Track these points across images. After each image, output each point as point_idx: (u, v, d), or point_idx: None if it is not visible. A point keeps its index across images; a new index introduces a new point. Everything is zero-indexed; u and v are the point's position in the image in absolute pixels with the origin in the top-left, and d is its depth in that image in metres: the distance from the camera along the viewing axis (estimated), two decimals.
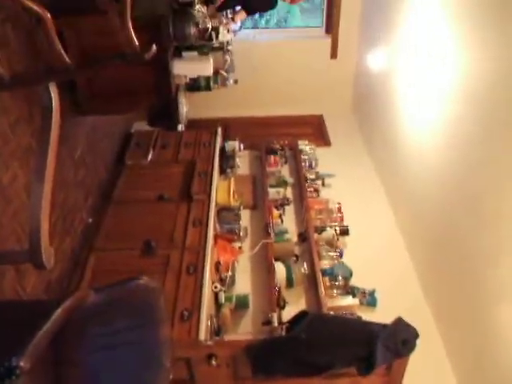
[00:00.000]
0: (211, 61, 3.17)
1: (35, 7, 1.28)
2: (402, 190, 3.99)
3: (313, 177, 4.45)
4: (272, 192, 4.20)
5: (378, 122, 4.62)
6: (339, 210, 4.01)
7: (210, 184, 3.70)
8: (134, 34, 1.46)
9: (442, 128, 3.15)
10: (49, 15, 1.33)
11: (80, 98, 3.05)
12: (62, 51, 1.42)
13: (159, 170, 3.84)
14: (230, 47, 3.91)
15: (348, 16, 5.06)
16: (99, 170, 3.59)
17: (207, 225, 3.25)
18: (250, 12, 3.99)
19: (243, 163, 4.58)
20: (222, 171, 4.19)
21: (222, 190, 3.93)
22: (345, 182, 4.41)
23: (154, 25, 2.80)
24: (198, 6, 3.00)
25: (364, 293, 3.25)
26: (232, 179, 4.11)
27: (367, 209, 4.11)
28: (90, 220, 3.31)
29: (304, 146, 4.86)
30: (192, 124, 3.74)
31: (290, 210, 4.18)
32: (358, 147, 5.01)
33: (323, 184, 4.40)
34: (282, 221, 4.00)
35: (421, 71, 3.52)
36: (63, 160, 2.91)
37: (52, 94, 1.46)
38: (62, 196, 2.87)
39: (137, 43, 1.48)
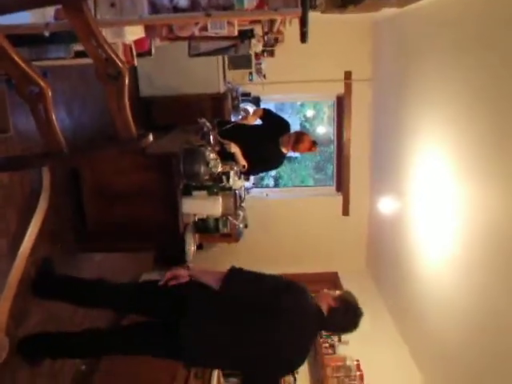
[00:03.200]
0: (220, 200, 3.17)
1: (38, 79, 1.33)
2: (425, 343, 3.59)
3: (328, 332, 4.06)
4: None
5: (395, 273, 4.47)
6: (358, 367, 3.57)
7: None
8: (131, 118, 1.47)
9: (462, 272, 3.02)
10: (50, 92, 1.37)
11: (88, 231, 3.02)
12: (58, 131, 1.42)
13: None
14: (243, 204, 4.00)
15: (358, 175, 5.32)
16: (100, 318, 3.30)
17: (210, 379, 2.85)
18: (253, 172, 4.11)
19: None
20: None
21: None
22: (363, 337, 3.99)
23: (165, 162, 2.92)
24: (209, 149, 3.13)
25: None
26: None
27: (389, 365, 3.64)
28: (83, 367, 2.94)
29: None
30: None
31: (303, 367, 3.71)
32: (376, 302, 4.73)
33: (340, 340, 4.02)
34: (294, 379, 3.52)
35: (433, 215, 3.52)
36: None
37: (43, 179, 1.42)
38: None
39: (134, 128, 1.48)
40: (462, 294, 3.02)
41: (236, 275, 2.07)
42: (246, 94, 4.87)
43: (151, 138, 1.60)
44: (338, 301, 2.09)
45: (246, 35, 2.10)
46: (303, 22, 1.18)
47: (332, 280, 5.22)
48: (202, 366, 2.99)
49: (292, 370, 2.53)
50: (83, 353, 2.44)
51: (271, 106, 5.52)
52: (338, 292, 2.18)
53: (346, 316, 2.09)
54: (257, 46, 2.69)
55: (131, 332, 2.24)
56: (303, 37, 1.16)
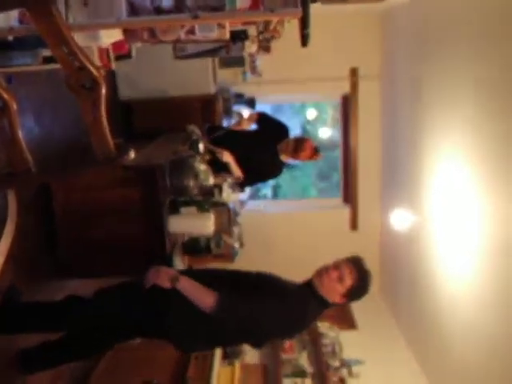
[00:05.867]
0: (212, 217, 3.16)
1: (4, 93, 1.31)
2: (448, 375, 3.57)
3: (337, 365, 4.15)
4: None
5: (412, 297, 4.46)
6: None
7: (210, 370, 3.45)
8: (108, 134, 1.46)
9: (487, 294, 3.02)
10: (15, 106, 1.35)
11: (61, 256, 2.99)
12: (25, 149, 1.40)
13: (147, 353, 3.54)
14: (238, 219, 4.00)
15: (367, 184, 5.31)
16: None
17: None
18: (248, 183, 4.08)
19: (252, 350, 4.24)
20: (226, 355, 3.87)
21: (224, 380, 3.59)
22: (377, 370, 4.01)
23: (149, 175, 2.90)
24: (199, 159, 3.13)
25: None
26: (237, 366, 3.81)
27: None
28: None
29: (325, 329, 4.57)
30: None
31: None
32: (391, 330, 4.75)
33: (350, 373, 4.01)
34: None
35: (454, 231, 3.51)
36: None
37: (9, 200, 1.40)
38: None
39: (112, 145, 1.46)
40: (489, 319, 2.99)
41: (229, 301, 2.11)
42: (240, 95, 4.87)
43: (132, 154, 1.59)
44: (349, 297, 2.17)
45: (238, 37, 2.09)
46: (304, 24, 1.16)
47: (341, 306, 5.18)
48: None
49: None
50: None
51: (268, 108, 5.52)
52: (343, 273, 2.18)
53: (361, 291, 2.21)
54: (251, 47, 2.69)
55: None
56: (304, 40, 1.14)
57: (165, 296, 2.17)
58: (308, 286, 2.24)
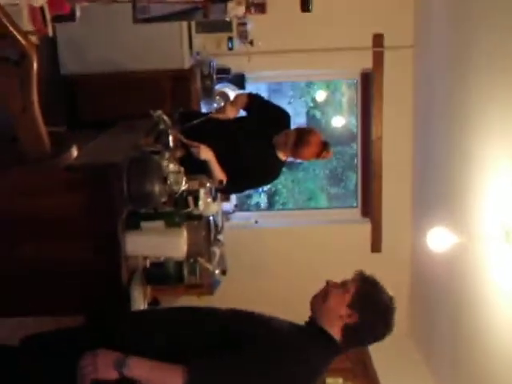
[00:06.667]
0: (185, 235, 3.12)
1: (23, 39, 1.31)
2: None
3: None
4: None
5: (454, 344, 4.48)
6: None
7: None
8: (42, 125, 1.45)
9: None
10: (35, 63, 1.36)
11: None
12: None
13: None
14: (220, 237, 4.00)
15: (394, 191, 5.34)
16: None
17: None
18: (234, 188, 4.09)
19: None
20: None
21: None
22: None
23: (99, 178, 2.88)
24: (167, 156, 3.13)
25: None
26: None
27: None
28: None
29: None
30: None
31: None
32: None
33: None
34: None
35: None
36: None
37: None
38: None
39: (46, 139, 1.46)
40: None
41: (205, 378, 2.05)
42: (225, 71, 4.87)
43: (75, 151, 1.60)
44: (355, 310, 2.16)
45: None
46: None
47: (358, 356, 5.16)
48: None
49: None
50: None
51: (262, 89, 5.53)
52: (347, 290, 2.23)
53: (376, 323, 2.20)
54: (236, 8, 2.66)
55: None
56: (305, 4, 1.12)
57: None
58: (311, 325, 2.26)
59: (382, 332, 2.23)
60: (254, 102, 3.83)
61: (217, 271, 3.81)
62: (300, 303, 5.17)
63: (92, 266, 2.96)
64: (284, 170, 3.98)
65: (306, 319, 2.36)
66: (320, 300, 2.27)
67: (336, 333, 2.18)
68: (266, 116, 3.81)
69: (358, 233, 5.46)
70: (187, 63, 4.42)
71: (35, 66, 1.39)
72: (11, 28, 1.28)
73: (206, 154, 3.50)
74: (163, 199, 3.07)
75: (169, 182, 3.08)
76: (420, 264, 5.25)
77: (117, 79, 4.34)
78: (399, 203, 5.36)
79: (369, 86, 5.31)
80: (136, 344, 2.19)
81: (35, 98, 1.42)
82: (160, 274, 3.42)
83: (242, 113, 3.91)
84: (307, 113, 6.92)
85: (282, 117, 3.84)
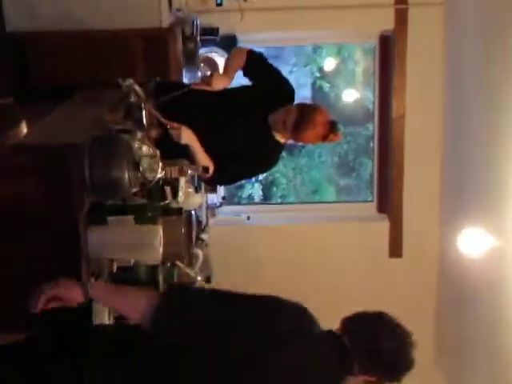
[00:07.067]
0: (160, 233, 3.12)
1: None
2: None
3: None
4: None
5: (491, 373, 4.48)
6: None
7: None
8: None
9: None
10: None
11: None
12: None
13: None
14: (204, 236, 4.14)
15: (418, 182, 5.36)
16: None
17: None
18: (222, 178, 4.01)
19: None
20: None
21: None
22: None
23: (55, 162, 2.84)
24: (139, 136, 3.09)
25: None
26: None
27: None
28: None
29: None
30: None
31: None
32: None
33: None
34: None
35: None
36: None
37: None
38: None
39: None
40: None
41: (175, 301, 2.19)
42: (211, 31, 4.87)
43: (24, 128, 1.47)
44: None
45: None
46: None
47: None
48: None
49: None
50: None
51: None
52: None
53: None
54: None
55: None
56: None
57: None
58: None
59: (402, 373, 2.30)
60: (253, 62, 3.78)
61: (199, 278, 3.86)
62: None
63: (46, 269, 2.82)
64: (283, 155, 4.00)
65: None
66: None
67: None
68: (265, 85, 3.77)
69: (373, 233, 5.48)
70: (165, 21, 4.35)
71: None
72: None
73: (186, 135, 3.48)
74: (134, 189, 3.06)
75: (141, 167, 3.04)
76: (449, 273, 5.26)
77: (78, 39, 4.28)
78: (424, 197, 5.38)
79: (389, 52, 5.33)
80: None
81: None
82: (129, 281, 3.35)
83: (234, 83, 3.84)
84: (313, 84, 6.87)
85: (286, 90, 3.80)
